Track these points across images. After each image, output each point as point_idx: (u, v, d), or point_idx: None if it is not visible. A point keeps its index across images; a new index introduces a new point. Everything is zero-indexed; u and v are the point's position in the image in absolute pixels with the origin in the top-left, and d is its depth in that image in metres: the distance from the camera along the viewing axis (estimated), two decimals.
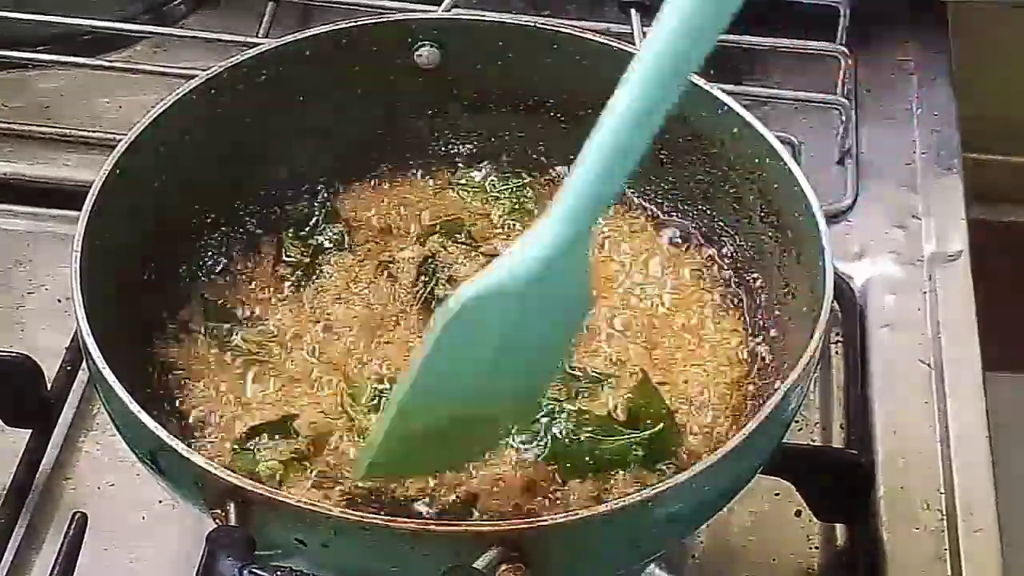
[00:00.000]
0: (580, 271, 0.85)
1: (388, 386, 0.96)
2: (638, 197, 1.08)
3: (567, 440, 0.94)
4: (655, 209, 1.08)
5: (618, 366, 0.99)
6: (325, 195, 1.08)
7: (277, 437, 0.94)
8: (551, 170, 1.10)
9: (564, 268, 0.83)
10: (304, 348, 1.00)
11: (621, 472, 0.93)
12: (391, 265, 1.05)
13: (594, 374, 0.98)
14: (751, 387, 0.99)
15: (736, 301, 1.03)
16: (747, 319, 1.02)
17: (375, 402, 0.96)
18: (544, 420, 0.95)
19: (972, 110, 1.36)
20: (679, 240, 1.07)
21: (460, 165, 1.10)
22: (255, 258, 1.05)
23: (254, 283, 1.04)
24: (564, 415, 0.95)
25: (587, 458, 0.93)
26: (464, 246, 1.05)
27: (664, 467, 0.94)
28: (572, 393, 0.97)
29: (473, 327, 0.83)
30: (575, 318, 0.89)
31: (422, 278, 1.03)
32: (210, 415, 0.97)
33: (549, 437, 0.94)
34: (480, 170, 1.10)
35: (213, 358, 1.00)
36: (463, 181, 1.10)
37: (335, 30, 1.05)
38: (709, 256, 1.05)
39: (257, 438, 0.94)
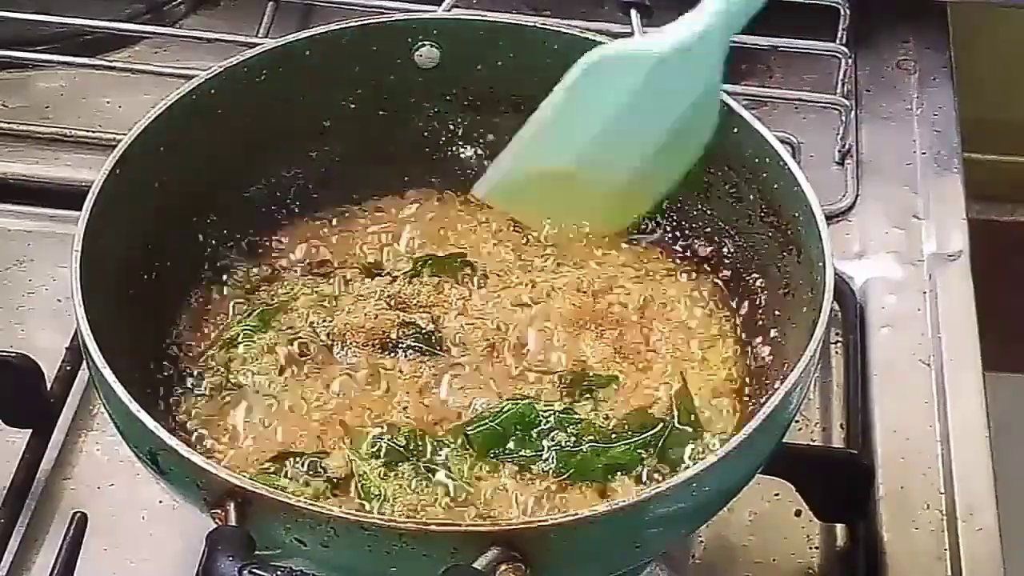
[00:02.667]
0: (711, 68, 0.93)
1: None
2: None
3: (571, 451, 0.94)
4: (654, 208, 1.08)
5: (613, 366, 0.99)
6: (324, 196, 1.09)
7: (306, 468, 0.94)
8: None
9: (697, 59, 0.93)
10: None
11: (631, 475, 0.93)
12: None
13: (592, 377, 0.98)
14: (751, 387, 0.99)
15: (736, 301, 1.03)
16: (747, 319, 1.02)
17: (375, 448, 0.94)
18: (544, 432, 0.95)
19: (972, 110, 1.36)
20: (679, 240, 1.07)
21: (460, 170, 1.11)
22: (255, 258, 1.06)
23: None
24: (563, 426, 0.95)
25: (595, 466, 0.93)
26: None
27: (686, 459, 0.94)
28: (569, 398, 0.97)
29: (602, 83, 0.92)
30: (700, 123, 0.97)
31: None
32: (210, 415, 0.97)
33: (553, 452, 0.94)
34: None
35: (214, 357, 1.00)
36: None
37: (335, 30, 1.05)
38: (709, 256, 1.05)
39: (286, 464, 0.94)
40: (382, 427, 0.95)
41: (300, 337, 1.00)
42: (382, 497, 0.91)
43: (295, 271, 1.06)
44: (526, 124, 1.00)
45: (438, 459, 0.93)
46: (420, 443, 0.94)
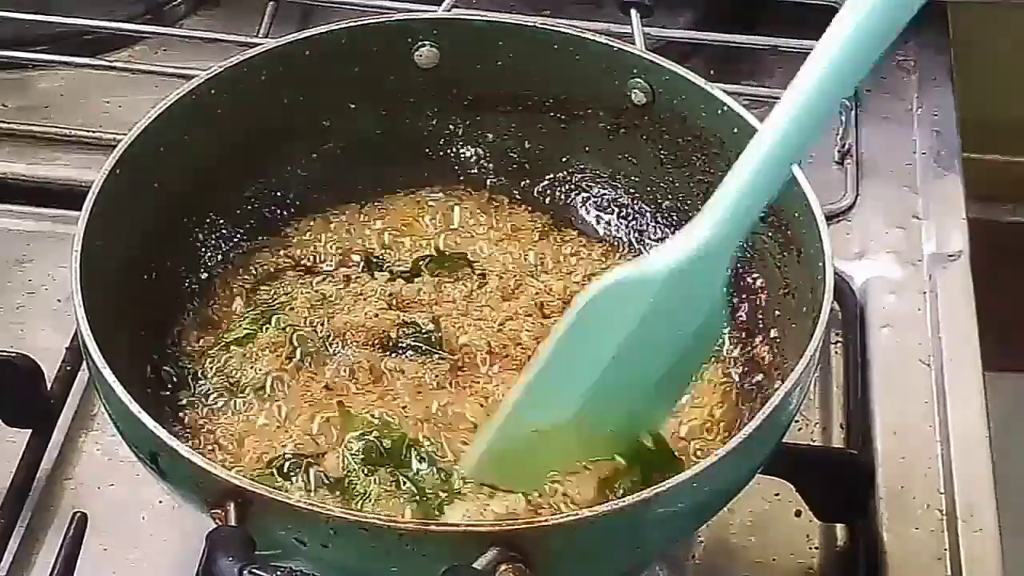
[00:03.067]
0: (715, 284, 0.87)
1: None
2: (638, 198, 1.08)
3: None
4: (655, 208, 1.08)
5: None
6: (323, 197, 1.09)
7: (303, 469, 0.93)
8: (551, 171, 1.10)
9: (703, 274, 0.86)
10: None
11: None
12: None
13: None
14: (751, 387, 0.99)
15: (736, 301, 1.03)
16: (747, 319, 1.02)
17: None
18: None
19: (972, 110, 1.36)
20: None
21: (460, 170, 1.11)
22: (255, 258, 1.06)
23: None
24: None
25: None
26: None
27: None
28: None
29: (606, 315, 0.85)
30: (702, 343, 0.91)
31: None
32: (210, 415, 0.97)
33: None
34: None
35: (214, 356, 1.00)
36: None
37: (335, 30, 1.05)
38: None
39: (285, 464, 0.94)
40: (378, 422, 0.95)
41: (301, 337, 1.00)
42: (366, 496, 0.91)
43: (295, 271, 1.06)
44: (516, 386, 0.91)
45: (410, 471, 0.93)
46: (403, 451, 0.93)
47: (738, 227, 0.86)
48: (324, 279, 1.05)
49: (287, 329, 1.01)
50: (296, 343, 1.00)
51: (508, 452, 0.91)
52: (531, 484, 0.90)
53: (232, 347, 1.00)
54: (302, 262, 1.06)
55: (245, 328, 1.01)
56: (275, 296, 1.04)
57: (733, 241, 0.87)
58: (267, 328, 1.01)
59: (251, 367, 0.99)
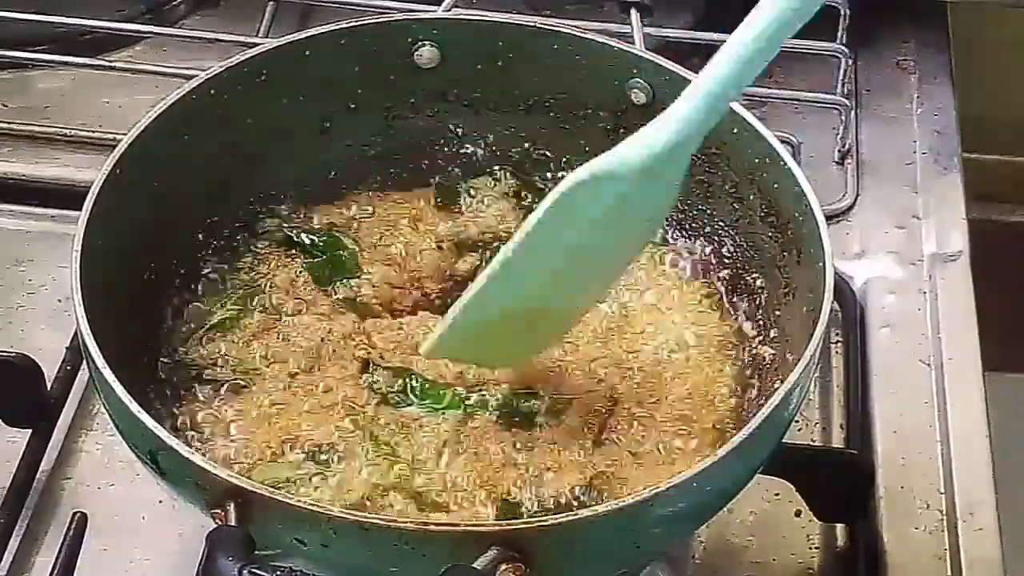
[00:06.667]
0: (673, 181, 0.90)
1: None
2: None
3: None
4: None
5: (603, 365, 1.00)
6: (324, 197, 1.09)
7: (315, 465, 0.94)
8: (552, 171, 1.10)
9: (671, 167, 0.89)
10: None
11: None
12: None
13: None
14: (751, 387, 0.99)
15: (735, 301, 1.03)
16: (747, 319, 1.02)
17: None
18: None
19: (972, 110, 1.36)
20: (679, 239, 1.07)
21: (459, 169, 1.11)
22: (256, 258, 1.06)
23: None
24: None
25: None
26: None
27: None
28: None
29: (573, 210, 0.88)
30: (647, 227, 0.95)
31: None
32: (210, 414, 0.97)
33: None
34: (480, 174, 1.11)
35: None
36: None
37: (335, 30, 1.05)
38: (709, 256, 1.05)
39: (293, 454, 0.94)
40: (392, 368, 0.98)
41: (306, 337, 1.00)
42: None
43: (296, 270, 1.06)
44: (485, 271, 0.93)
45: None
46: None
47: (705, 124, 0.88)
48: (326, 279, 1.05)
49: (293, 331, 1.01)
50: (302, 345, 1.00)
51: (470, 332, 0.94)
52: (490, 361, 0.96)
53: (235, 347, 1.00)
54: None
55: (247, 328, 1.01)
56: (275, 296, 1.04)
57: (700, 136, 0.89)
58: (271, 329, 1.01)
59: (252, 366, 0.99)
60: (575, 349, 1.00)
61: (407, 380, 0.98)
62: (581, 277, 0.94)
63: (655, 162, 0.88)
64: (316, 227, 1.07)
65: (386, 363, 0.99)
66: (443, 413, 0.96)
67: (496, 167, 1.10)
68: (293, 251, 1.05)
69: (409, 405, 0.97)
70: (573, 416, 0.97)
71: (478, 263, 1.05)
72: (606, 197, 0.88)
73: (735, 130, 1.00)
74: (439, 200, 1.09)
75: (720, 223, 1.05)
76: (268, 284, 1.04)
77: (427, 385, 0.98)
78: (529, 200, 1.08)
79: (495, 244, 1.06)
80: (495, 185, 1.10)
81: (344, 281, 1.04)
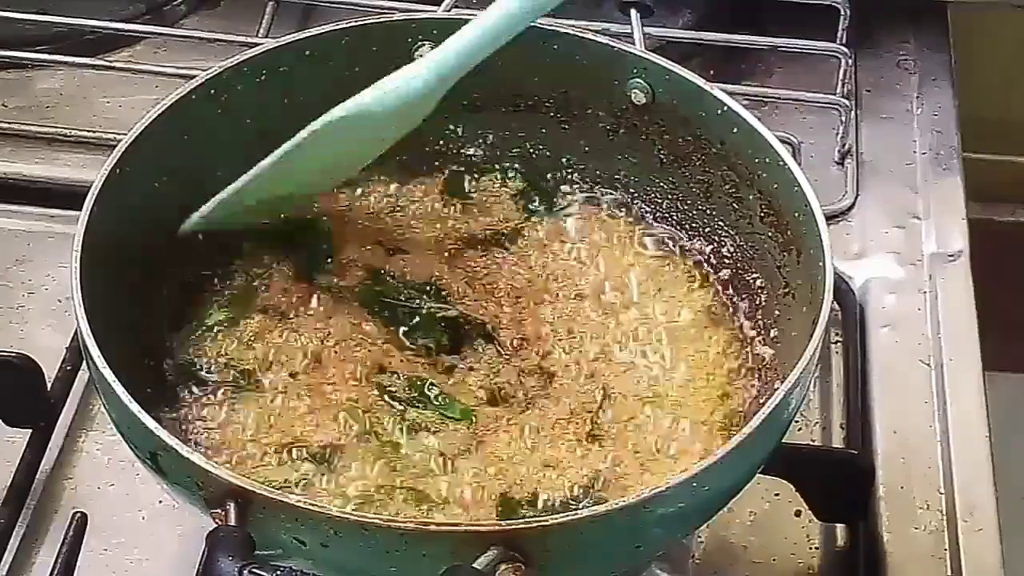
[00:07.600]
0: (428, 109, 1.00)
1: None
2: (638, 198, 1.08)
3: None
4: (655, 208, 1.08)
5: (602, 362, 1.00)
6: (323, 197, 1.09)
7: (316, 465, 0.94)
8: (551, 171, 1.10)
9: (421, 107, 0.99)
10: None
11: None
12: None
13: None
14: (751, 387, 0.99)
15: (735, 301, 1.03)
16: (747, 319, 1.02)
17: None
18: None
19: (972, 110, 1.36)
20: (679, 239, 1.07)
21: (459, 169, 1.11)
22: (256, 258, 1.06)
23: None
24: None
25: None
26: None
27: None
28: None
29: (331, 138, 0.98)
30: (394, 136, 1.03)
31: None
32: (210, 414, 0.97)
33: None
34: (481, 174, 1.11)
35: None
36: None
37: (335, 30, 1.05)
38: (709, 256, 1.05)
39: (293, 455, 0.94)
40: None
41: (312, 337, 1.00)
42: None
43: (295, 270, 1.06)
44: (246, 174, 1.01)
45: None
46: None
47: (461, 69, 0.98)
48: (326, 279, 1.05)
49: (294, 332, 1.01)
50: (308, 343, 1.00)
51: (227, 212, 1.01)
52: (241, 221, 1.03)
53: (235, 346, 1.00)
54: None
55: (248, 328, 1.01)
56: (275, 296, 1.04)
57: (453, 80, 0.98)
58: (272, 329, 1.01)
59: (253, 365, 0.99)
60: (571, 347, 1.01)
61: (424, 387, 0.98)
62: (327, 173, 1.04)
63: (408, 107, 0.98)
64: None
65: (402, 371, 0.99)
66: (453, 423, 0.96)
67: (496, 167, 1.10)
68: (292, 251, 1.06)
69: (418, 407, 0.97)
70: (564, 406, 0.98)
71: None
72: (361, 131, 0.99)
73: (735, 130, 1.00)
74: (443, 196, 1.09)
75: (720, 223, 1.05)
76: (268, 285, 1.04)
77: (444, 397, 0.98)
78: (535, 203, 1.09)
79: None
80: (496, 185, 1.10)
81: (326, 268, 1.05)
